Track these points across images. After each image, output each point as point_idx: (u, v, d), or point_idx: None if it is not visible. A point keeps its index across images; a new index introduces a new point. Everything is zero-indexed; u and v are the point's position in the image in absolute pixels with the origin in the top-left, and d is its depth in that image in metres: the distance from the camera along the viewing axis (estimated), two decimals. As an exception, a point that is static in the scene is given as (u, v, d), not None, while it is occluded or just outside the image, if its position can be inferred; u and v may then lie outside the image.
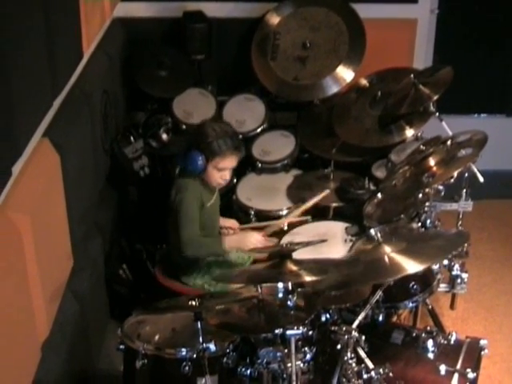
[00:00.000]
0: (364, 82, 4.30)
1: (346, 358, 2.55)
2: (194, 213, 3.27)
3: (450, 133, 3.54)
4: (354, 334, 2.53)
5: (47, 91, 2.80)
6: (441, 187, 3.37)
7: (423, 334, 2.78)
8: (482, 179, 3.18)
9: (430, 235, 3.02)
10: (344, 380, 2.57)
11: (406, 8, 4.70)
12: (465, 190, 3.36)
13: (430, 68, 4.35)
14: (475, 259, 4.14)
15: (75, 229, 3.11)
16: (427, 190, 3.25)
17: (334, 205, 3.86)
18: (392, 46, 4.60)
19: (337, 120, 4.22)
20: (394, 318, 3.15)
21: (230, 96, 4.51)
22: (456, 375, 2.62)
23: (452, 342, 2.77)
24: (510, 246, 4.50)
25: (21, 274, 2.50)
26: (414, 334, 2.82)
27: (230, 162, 3.28)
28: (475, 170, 3.20)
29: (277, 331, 2.51)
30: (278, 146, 4.31)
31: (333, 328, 2.61)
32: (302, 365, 2.55)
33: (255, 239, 3.35)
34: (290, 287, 2.53)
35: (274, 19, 4.51)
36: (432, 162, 3.25)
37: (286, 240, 3.45)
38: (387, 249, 2.58)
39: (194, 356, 2.60)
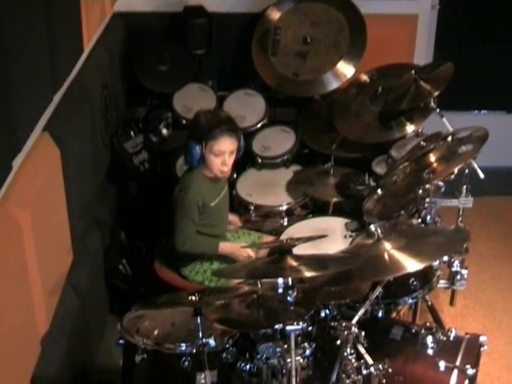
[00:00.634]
0: (364, 77, 4.29)
1: (345, 354, 2.54)
2: (193, 213, 3.29)
3: (451, 129, 3.53)
4: (354, 329, 2.53)
5: (47, 86, 2.79)
6: (441, 183, 3.36)
7: (423, 330, 2.78)
8: (482, 175, 3.17)
9: (430, 231, 3.02)
10: (343, 376, 2.56)
11: (406, 4, 4.69)
12: (465, 187, 3.35)
13: (431, 64, 4.34)
14: (475, 256, 4.15)
15: (75, 223, 3.11)
16: (427, 186, 3.24)
17: (334, 200, 3.87)
18: (393, 41, 4.59)
19: (337, 116, 4.21)
20: (394, 314, 3.16)
21: (230, 91, 4.51)
22: (455, 371, 2.62)
23: (451, 339, 2.77)
24: (510, 243, 4.50)
25: (20, 269, 2.50)
26: (414, 330, 2.82)
27: (224, 145, 3.24)
28: (476, 166, 3.19)
29: (276, 327, 2.51)
30: (278, 141, 4.31)
31: (332, 324, 2.60)
32: (301, 360, 2.54)
33: (247, 254, 3.37)
34: (290, 283, 2.53)
35: (275, 14, 4.50)
36: (432, 158, 3.24)
37: (285, 235, 3.45)
38: (387, 245, 2.58)
39: (194, 351, 2.60)
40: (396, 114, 3.91)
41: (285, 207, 3.88)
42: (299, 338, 2.55)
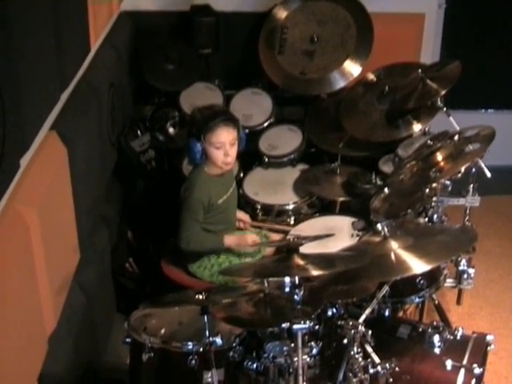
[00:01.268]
0: (371, 76, 4.28)
1: (352, 353, 2.54)
2: (198, 212, 3.30)
3: (458, 128, 3.53)
4: (361, 328, 2.53)
5: (55, 84, 2.80)
6: (448, 182, 3.36)
7: (429, 329, 2.77)
8: (489, 174, 3.17)
9: (437, 230, 3.01)
10: (350, 374, 2.56)
11: (413, 2, 4.68)
12: (472, 185, 3.34)
13: (438, 63, 4.34)
14: (482, 255, 4.14)
15: (82, 221, 3.12)
16: (434, 184, 3.24)
17: (341, 199, 3.87)
18: (400, 40, 4.59)
19: (344, 114, 4.21)
20: (401, 313, 3.16)
21: (237, 90, 4.51)
22: (462, 370, 2.62)
23: (458, 338, 2.76)
24: (517, 241, 4.50)
25: (28, 267, 2.50)
26: (421, 329, 2.82)
27: (222, 136, 3.24)
28: (482, 165, 3.19)
29: (283, 325, 2.51)
30: (285, 140, 4.31)
31: (339, 322, 2.61)
32: (308, 359, 2.54)
33: (252, 240, 3.39)
34: (297, 281, 2.53)
35: (282, 13, 4.50)
36: (439, 156, 3.24)
37: (292, 234, 3.45)
38: (394, 244, 2.58)
39: (201, 350, 2.61)
40: (403, 112, 3.91)
41: (291, 206, 3.88)
42: (306, 337, 2.55)
